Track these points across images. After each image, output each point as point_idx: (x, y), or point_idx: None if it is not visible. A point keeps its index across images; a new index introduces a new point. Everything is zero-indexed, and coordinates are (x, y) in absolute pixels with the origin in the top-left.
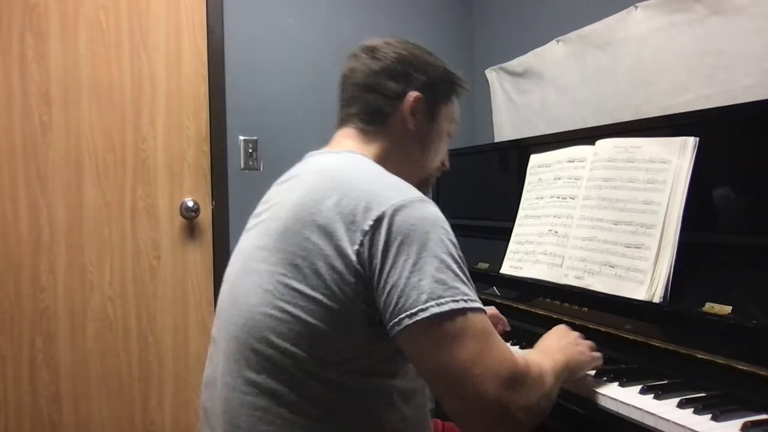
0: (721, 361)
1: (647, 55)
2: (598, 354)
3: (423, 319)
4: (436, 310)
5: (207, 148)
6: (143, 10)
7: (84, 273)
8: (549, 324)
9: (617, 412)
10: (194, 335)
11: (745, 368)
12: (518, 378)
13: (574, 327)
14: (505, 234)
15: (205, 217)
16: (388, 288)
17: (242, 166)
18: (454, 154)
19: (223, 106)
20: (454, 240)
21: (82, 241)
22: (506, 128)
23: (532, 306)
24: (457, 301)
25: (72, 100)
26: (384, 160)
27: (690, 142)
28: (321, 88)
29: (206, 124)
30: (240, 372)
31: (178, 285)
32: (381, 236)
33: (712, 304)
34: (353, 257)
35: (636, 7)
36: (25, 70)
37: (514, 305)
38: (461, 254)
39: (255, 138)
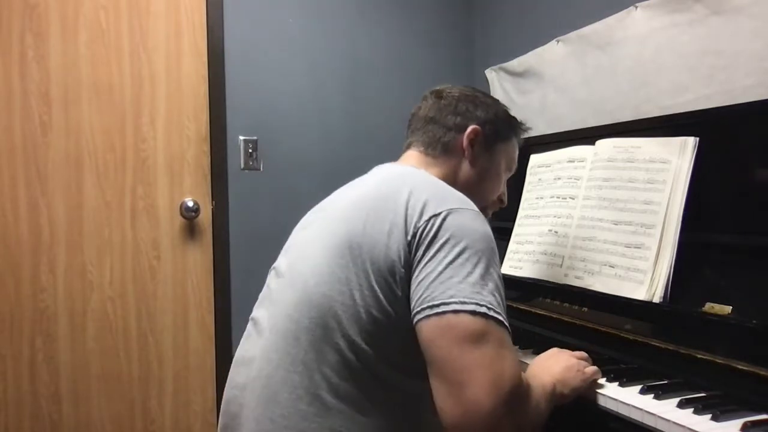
0: (721, 361)
1: (647, 55)
2: (592, 369)
3: (443, 312)
4: (458, 307)
5: (207, 148)
6: (143, 10)
7: (84, 273)
8: (549, 324)
9: (617, 412)
10: (194, 335)
11: (745, 368)
12: (518, 396)
13: (574, 327)
14: (505, 234)
15: (205, 217)
16: (420, 278)
17: (242, 166)
18: None
19: (223, 106)
20: (497, 260)
21: (82, 241)
22: None
23: (532, 306)
24: (481, 305)
25: (72, 100)
26: (444, 182)
27: (690, 142)
28: (321, 88)
29: (206, 124)
30: (288, 349)
31: (178, 285)
32: (431, 231)
33: (712, 304)
34: (406, 249)
35: (636, 7)
36: (25, 70)
37: (514, 305)
38: (500, 275)
39: (255, 138)
